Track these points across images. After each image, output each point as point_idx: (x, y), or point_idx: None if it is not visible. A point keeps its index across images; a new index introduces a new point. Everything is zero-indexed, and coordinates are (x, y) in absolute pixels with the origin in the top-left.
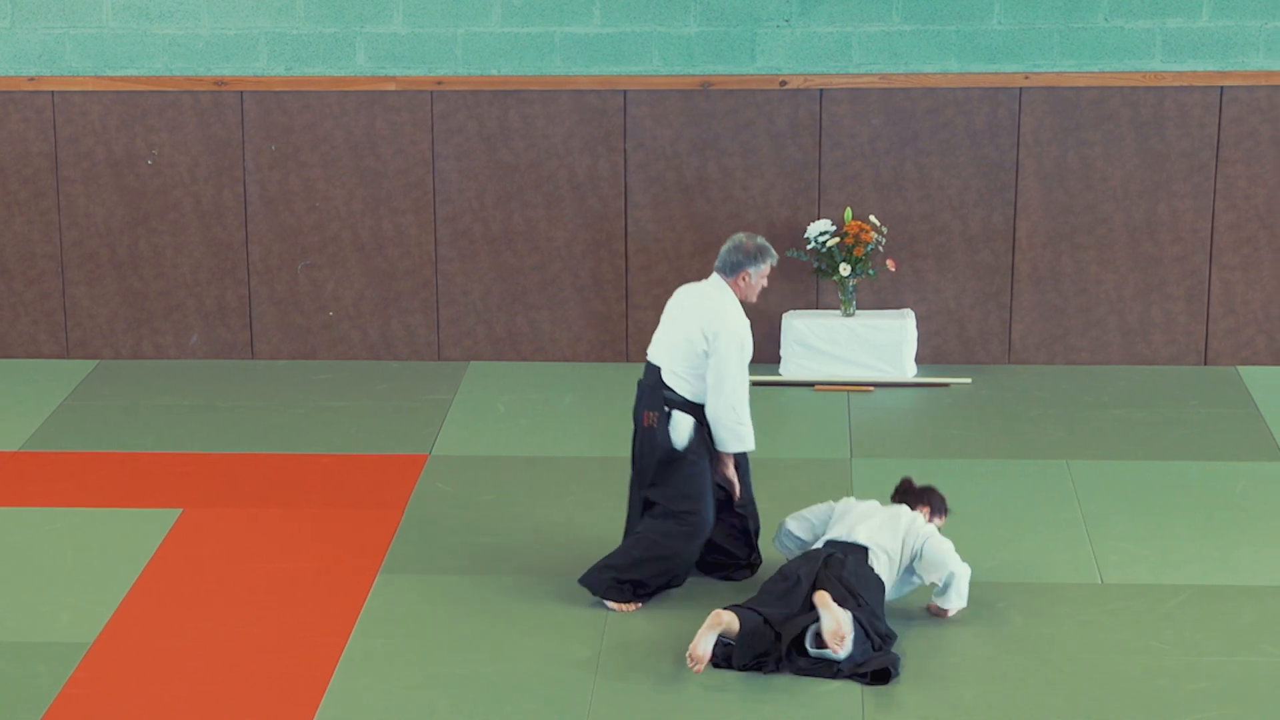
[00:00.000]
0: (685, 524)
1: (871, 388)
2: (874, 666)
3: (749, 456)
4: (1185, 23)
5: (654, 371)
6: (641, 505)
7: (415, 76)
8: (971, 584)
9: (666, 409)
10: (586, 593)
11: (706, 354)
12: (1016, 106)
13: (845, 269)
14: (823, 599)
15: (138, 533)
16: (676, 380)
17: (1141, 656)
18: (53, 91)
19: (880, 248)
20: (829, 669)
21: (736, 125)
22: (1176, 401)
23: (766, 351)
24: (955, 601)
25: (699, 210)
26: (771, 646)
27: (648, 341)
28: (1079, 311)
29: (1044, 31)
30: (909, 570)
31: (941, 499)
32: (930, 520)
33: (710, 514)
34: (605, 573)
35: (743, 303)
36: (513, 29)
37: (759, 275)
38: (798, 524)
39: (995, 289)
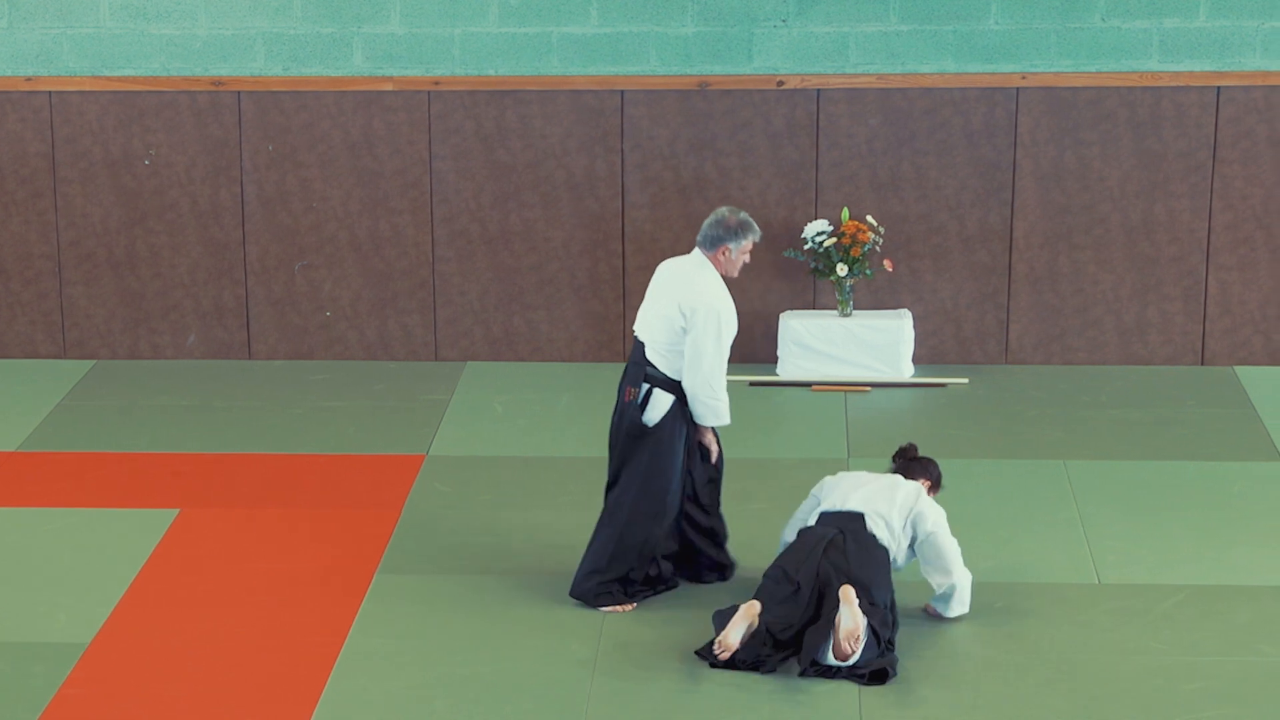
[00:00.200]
0: (653, 503)
1: (868, 388)
2: (872, 667)
3: (724, 472)
4: (1182, 23)
5: (639, 348)
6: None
7: (412, 77)
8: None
9: (647, 385)
10: None
11: (685, 330)
12: (1013, 107)
13: (842, 269)
14: (847, 594)
15: (135, 533)
16: (657, 356)
17: (1138, 656)
18: (50, 91)
19: (877, 248)
20: (829, 670)
21: (734, 125)
22: (1173, 402)
23: (764, 351)
24: (956, 609)
25: (696, 210)
26: (768, 652)
27: None
28: (1076, 312)
29: (1041, 32)
30: (910, 545)
31: (940, 474)
32: (930, 493)
33: (678, 498)
34: (590, 579)
35: (726, 280)
36: (510, 29)
37: (739, 251)
38: (793, 530)
39: (992, 289)
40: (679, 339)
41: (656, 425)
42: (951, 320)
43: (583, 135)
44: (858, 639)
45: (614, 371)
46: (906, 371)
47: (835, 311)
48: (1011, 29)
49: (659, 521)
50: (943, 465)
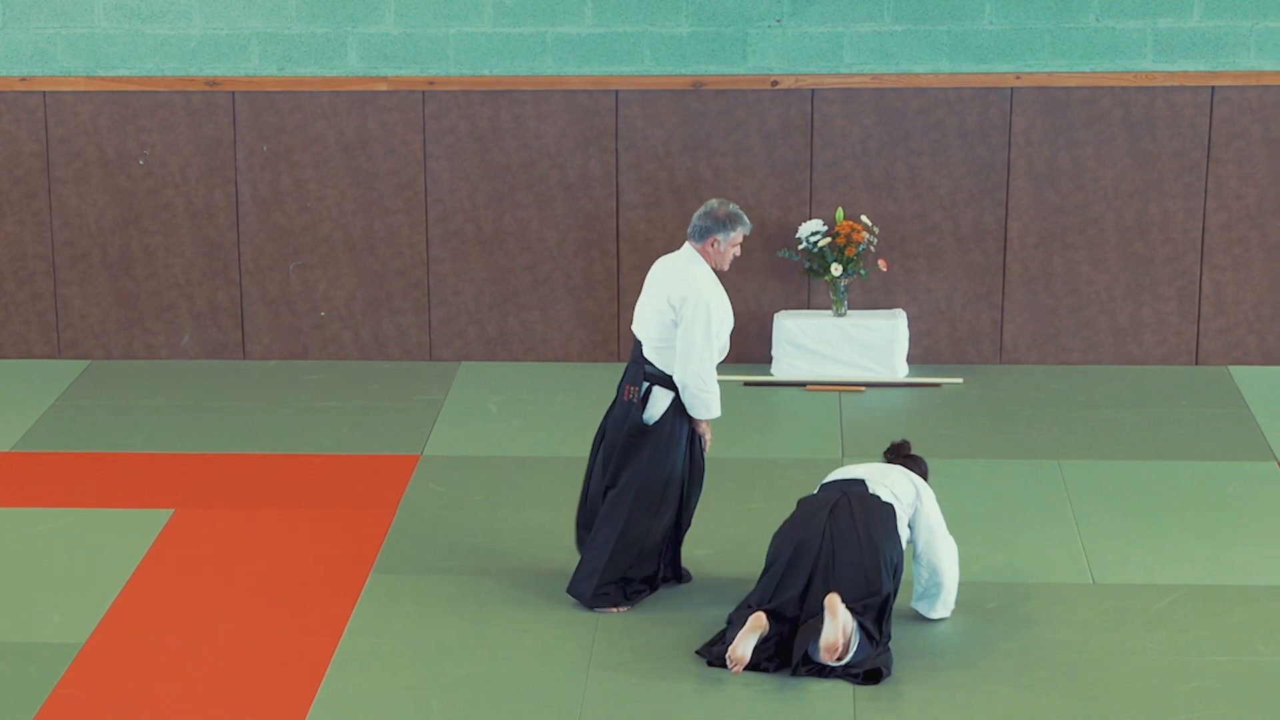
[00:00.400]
0: (652, 501)
1: (863, 388)
2: (867, 667)
3: (704, 481)
4: (1176, 23)
5: (637, 346)
6: (603, 488)
7: (407, 77)
8: (963, 584)
9: (646, 384)
10: None
11: (675, 324)
12: (1008, 106)
13: (837, 269)
14: (832, 604)
15: (130, 533)
16: (654, 353)
17: (1134, 656)
18: (44, 91)
19: (872, 248)
20: (823, 669)
21: (728, 125)
22: (1168, 402)
23: (758, 351)
24: (940, 611)
25: (691, 210)
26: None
27: None
28: (1070, 311)
29: (1035, 31)
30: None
31: (926, 470)
32: None
33: (677, 495)
34: (589, 579)
35: (719, 274)
36: (504, 29)
37: (729, 243)
38: None
39: (986, 289)
40: (672, 333)
41: (656, 424)
42: (946, 320)
43: (577, 135)
44: (837, 650)
45: (609, 371)
46: (901, 371)
47: (830, 311)
48: (1006, 29)
49: (659, 520)
50: (937, 465)
